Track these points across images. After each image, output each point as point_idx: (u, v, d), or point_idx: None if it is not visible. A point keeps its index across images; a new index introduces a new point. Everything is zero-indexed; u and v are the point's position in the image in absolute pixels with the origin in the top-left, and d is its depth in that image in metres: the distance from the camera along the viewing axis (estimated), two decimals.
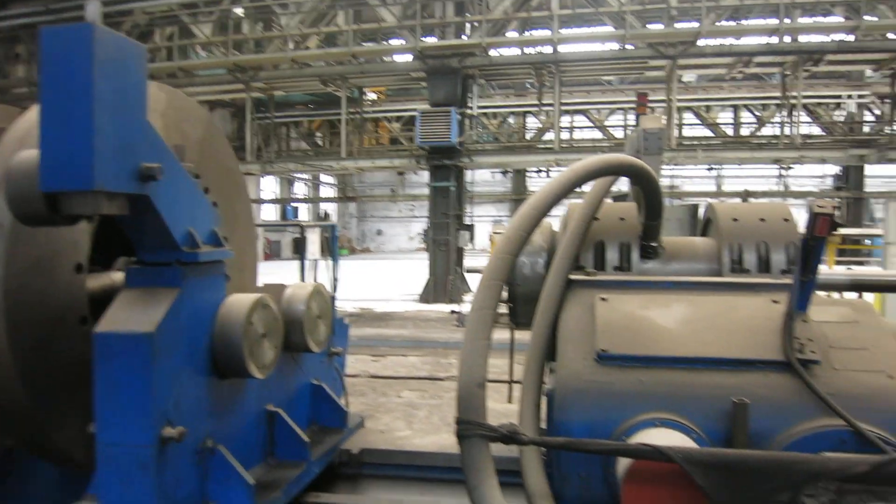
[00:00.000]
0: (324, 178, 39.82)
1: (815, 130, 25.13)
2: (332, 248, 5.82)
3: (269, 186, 36.65)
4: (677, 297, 2.53)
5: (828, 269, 3.61)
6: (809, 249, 2.14)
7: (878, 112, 24.03)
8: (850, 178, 25.39)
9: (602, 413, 2.19)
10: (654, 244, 3.00)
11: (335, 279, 5.58)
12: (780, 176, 27.80)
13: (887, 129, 19.52)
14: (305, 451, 3.98)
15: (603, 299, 2.54)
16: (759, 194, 27.42)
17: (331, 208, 43.72)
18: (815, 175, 34.01)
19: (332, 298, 5.19)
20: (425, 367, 10.54)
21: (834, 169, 28.83)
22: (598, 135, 26.13)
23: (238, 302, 3.48)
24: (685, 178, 36.27)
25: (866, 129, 24.03)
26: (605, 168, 2.64)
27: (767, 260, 2.82)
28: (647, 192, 2.82)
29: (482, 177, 35.18)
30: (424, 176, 19.60)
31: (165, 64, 18.72)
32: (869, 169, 24.92)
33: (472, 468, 2.01)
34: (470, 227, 18.78)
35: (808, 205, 2.15)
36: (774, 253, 2.82)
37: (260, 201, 31.63)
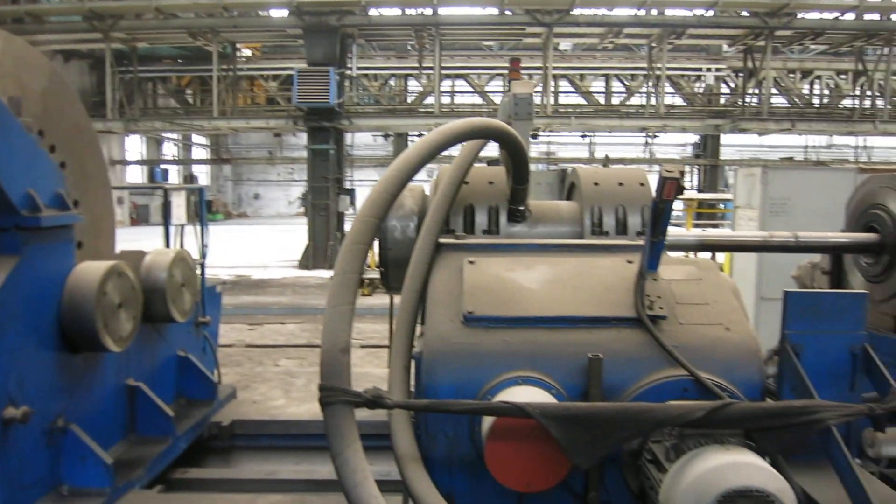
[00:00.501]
0: (196, 138, 37.78)
1: (679, 101, 26.74)
2: (200, 212, 5.53)
3: (134, 146, 34.27)
4: (541, 260, 2.61)
5: (682, 231, 3.85)
6: (658, 212, 2.25)
7: (732, 85, 25.87)
8: (708, 147, 27.29)
9: (468, 374, 2.23)
10: (521, 208, 3.06)
11: (203, 245, 5.31)
12: (647, 143, 29.46)
13: (740, 101, 21.06)
14: (170, 426, 3.82)
15: (471, 262, 2.57)
16: (627, 161, 28.95)
17: (204, 171, 41.64)
18: (678, 143, 36.23)
19: (200, 265, 4.95)
20: (304, 334, 10.39)
21: (694, 138, 30.82)
22: (478, 100, 26.41)
23: (89, 270, 3.24)
24: (560, 145, 37.54)
25: (722, 100, 25.85)
26: (471, 132, 2.65)
27: (625, 222, 2.96)
28: (514, 157, 2.87)
29: (363, 140, 34.74)
30: (304, 138, 19.05)
31: (10, 7, 16.89)
32: (724, 138, 26.88)
33: (335, 435, 1.99)
34: (350, 192, 18.54)
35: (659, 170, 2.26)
36: (631, 216, 2.96)
37: (125, 162, 29.57)
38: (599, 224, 2.97)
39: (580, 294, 2.41)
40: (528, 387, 2.16)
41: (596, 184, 3.05)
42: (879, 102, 19.78)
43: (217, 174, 44.05)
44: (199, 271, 4.78)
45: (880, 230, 3.19)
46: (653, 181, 2.87)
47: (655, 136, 27.14)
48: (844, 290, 2.16)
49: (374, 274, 14.90)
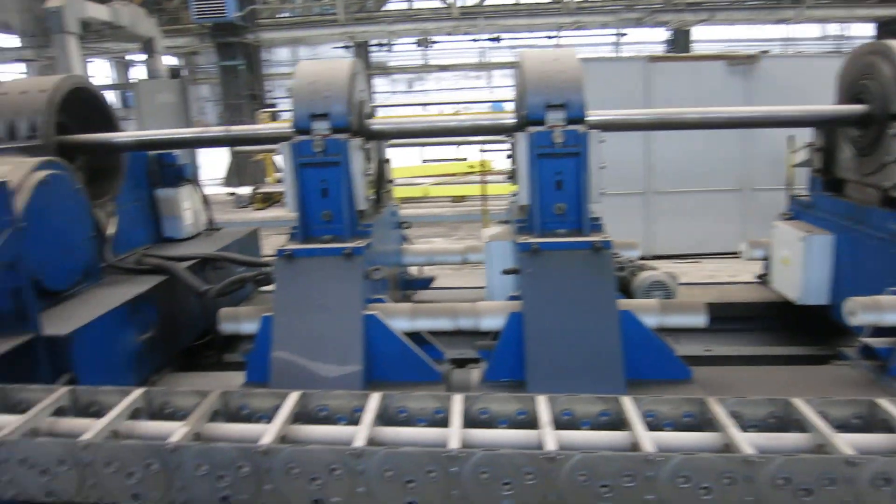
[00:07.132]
0: None
1: None
2: None
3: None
4: None
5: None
6: None
7: None
8: (679, 41, 25.98)
9: None
10: None
11: None
12: (617, 41, 28.27)
13: None
14: None
15: None
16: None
17: None
18: (653, 41, 34.63)
19: None
20: None
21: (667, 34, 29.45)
22: (403, 5, 24.87)
23: None
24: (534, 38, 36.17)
25: None
26: None
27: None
28: None
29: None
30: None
31: None
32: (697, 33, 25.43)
33: None
34: (273, 106, 18.34)
35: None
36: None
37: None
38: None
39: None
40: None
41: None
42: None
43: None
44: None
45: None
46: None
47: (624, 35, 26.08)
48: None
49: (272, 188, 15.06)
